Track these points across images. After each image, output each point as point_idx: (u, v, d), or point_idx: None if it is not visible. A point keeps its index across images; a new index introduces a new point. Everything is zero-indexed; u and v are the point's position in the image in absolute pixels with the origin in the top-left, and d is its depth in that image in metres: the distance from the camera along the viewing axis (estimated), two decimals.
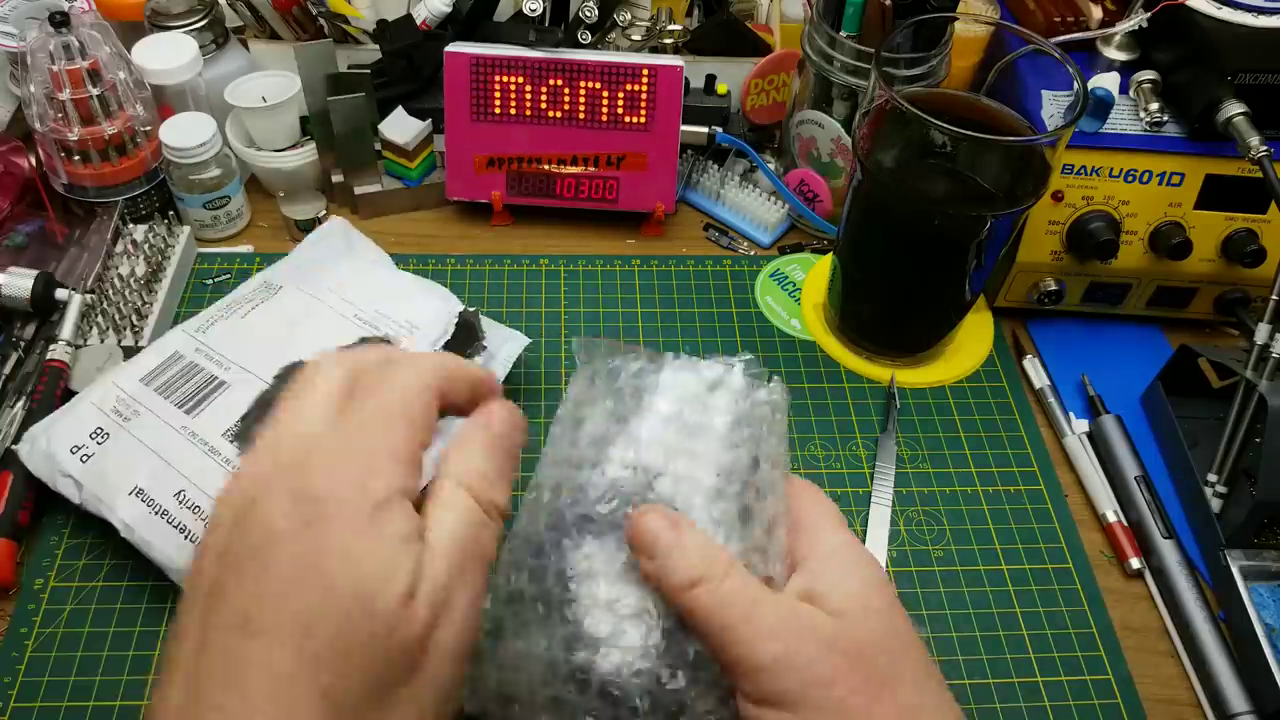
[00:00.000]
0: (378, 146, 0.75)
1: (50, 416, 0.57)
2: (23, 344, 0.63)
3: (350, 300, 0.61)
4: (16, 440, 0.58)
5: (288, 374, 0.57)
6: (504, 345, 0.62)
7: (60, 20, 0.65)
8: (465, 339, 0.61)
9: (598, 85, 0.70)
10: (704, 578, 0.33)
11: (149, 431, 0.55)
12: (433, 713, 0.30)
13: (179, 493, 0.52)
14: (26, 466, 0.55)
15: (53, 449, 0.55)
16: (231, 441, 0.54)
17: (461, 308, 0.62)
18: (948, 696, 0.34)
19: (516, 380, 0.64)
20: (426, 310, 0.61)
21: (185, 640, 0.29)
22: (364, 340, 0.59)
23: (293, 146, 0.76)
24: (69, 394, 0.60)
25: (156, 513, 0.52)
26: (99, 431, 0.55)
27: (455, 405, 0.35)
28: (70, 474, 0.54)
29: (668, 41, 0.79)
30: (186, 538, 0.51)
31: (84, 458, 0.54)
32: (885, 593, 0.35)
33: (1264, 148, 0.59)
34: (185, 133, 0.69)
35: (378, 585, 0.28)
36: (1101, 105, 0.63)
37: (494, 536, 0.33)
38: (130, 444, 0.54)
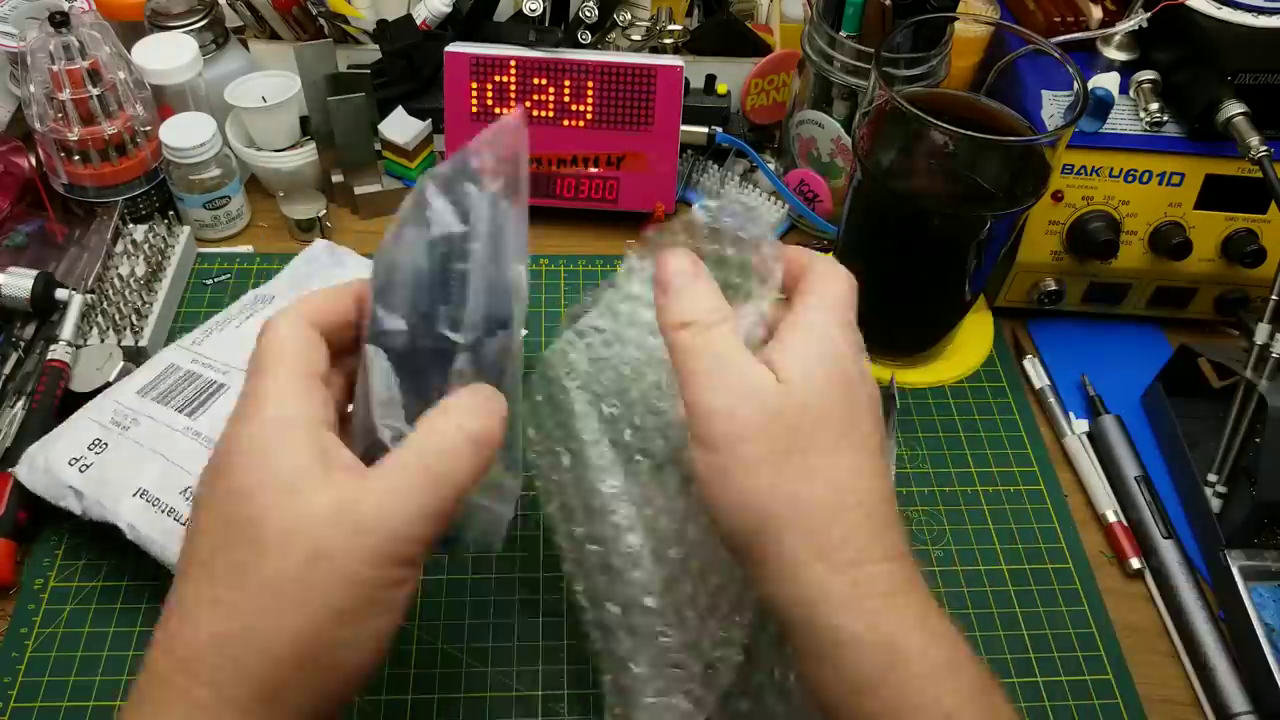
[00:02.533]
0: (378, 146, 0.75)
1: (46, 436, 0.57)
2: (23, 344, 0.63)
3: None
4: (17, 440, 0.58)
5: None
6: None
7: (60, 20, 0.65)
8: None
9: (598, 85, 0.70)
10: (694, 322, 0.38)
11: (150, 435, 0.55)
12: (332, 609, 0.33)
13: (185, 490, 0.52)
14: (26, 486, 0.55)
15: (51, 464, 0.54)
16: None
17: None
18: (870, 463, 0.37)
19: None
20: None
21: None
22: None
23: (293, 146, 0.76)
24: (69, 394, 0.60)
25: (163, 511, 0.52)
26: (97, 443, 0.55)
27: (341, 325, 0.39)
28: (71, 485, 0.53)
29: (668, 41, 0.79)
30: None
31: (83, 468, 0.54)
32: (832, 370, 0.38)
33: (1264, 148, 0.59)
34: (185, 133, 0.69)
35: (253, 483, 0.33)
36: (1101, 105, 0.63)
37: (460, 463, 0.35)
38: (131, 449, 0.54)
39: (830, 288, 0.40)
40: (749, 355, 0.38)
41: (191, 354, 0.59)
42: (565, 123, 0.72)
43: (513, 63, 0.70)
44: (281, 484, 0.33)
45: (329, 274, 0.67)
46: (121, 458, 0.54)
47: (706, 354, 0.38)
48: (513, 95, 0.71)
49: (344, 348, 0.39)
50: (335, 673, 0.33)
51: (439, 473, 0.34)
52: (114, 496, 0.53)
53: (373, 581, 0.33)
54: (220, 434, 0.36)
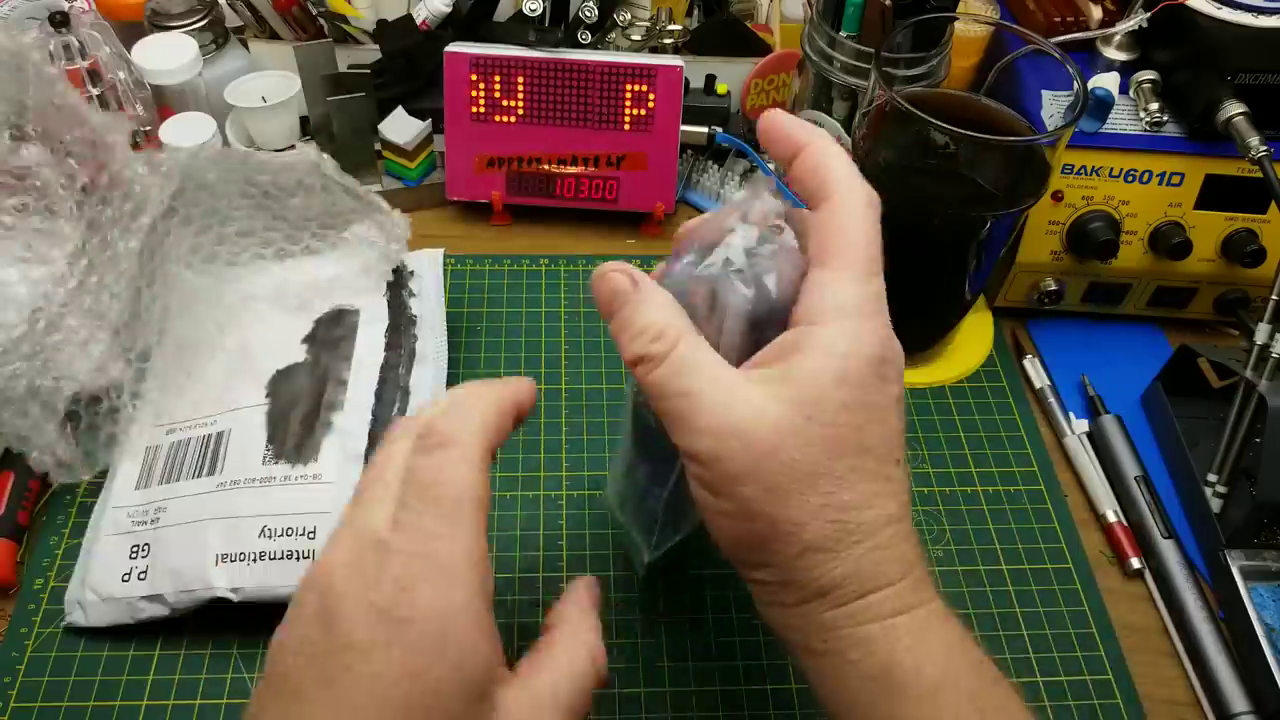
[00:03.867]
0: (378, 146, 0.75)
1: (74, 577, 0.53)
2: None
3: (276, 305, 0.62)
4: (17, 448, 0.58)
5: (279, 381, 0.58)
6: (426, 267, 0.66)
7: (60, 20, 0.65)
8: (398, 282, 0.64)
9: (597, 85, 0.70)
10: (644, 356, 0.34)
11: (189, 509, 0.53)
12: None
13: (262, 530, 0.51)
14: (96, 625, 0.52)
15: (106, 592, 0.52)
16: (276, 462, 0.54)
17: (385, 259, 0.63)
18: (881, 486, 0.34)
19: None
20: (344, 274, 0.63)
21: None
22: (330, 323, 0.60)
23: (293, 146, 0.76)
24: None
25: (252, 560, 0.51)
26: (137, 549, 0.53)
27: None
28: (142, 596, 0.51)
29: (668, 41, 0.79)
30: (298, 558, 0.51)
31: (140, 575, 0.52)
32: (841, 390, 0.33)
33: (1264, 148, 0.59)
34: (185, 133, 0.69)
35: (451, 701, 0.30)
36: (1101, 105, 0.63)
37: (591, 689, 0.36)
38: (180, 531, 0.52)
39: (849, 234, 0.35)
40: (724, 378, 0.34)
41: (162, 427, 0.57)
42: (565, 123, 0.72)
43: (513, 63, 0.70)
44: (464, 678, 0.30)
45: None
46: (176, 544, 0.52)
47: (671, 392, 0.34)
48: (513, 95, 0.71)
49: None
50: None
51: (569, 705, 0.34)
52: (199, 577, 0.51)
53: None
54: (355, 553, 0.31)
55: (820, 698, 0.36)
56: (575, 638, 0.37)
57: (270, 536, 0.51)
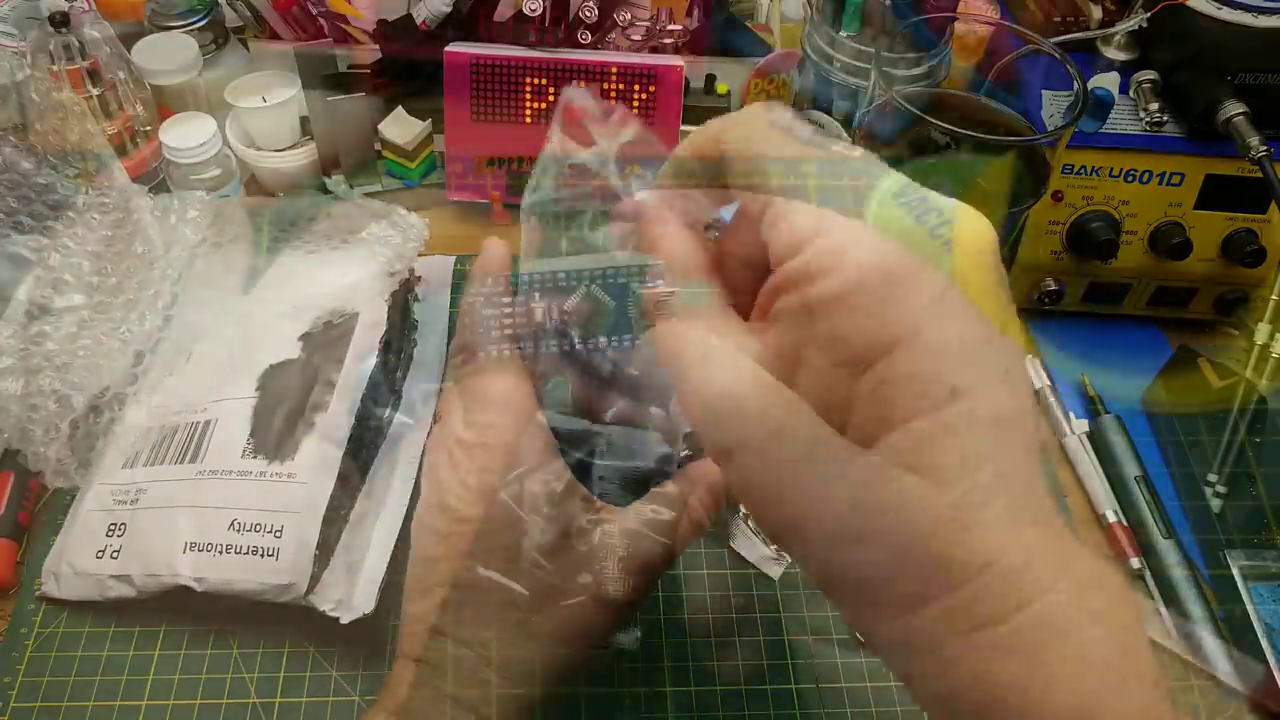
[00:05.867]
0: (378, 146, 0.75)
1: (55, 546, 0.55)
2: None
3: (279, 299, 0.62)
4: (15, 445, 0.58)
5: (270, 376, 0.57)
6: (435, 273, 0.66)
7: (60, 20, 0.65)
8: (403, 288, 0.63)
9: (597, 85, 0.70)
10: (663, 305, 0.33)
11: (165, 496, 0.53)
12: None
13: (231, 523, 0.51)
14: (66, 598, 0.53)
15: (79, 567, 0.53)
16: (254, 457, 0.54)
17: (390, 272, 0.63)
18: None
19: None
20: (350, 275, 0.62)
21: None
22: (328, 324, 0.60)
23: (293, 146, 0.76)
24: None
25: (219, 552, 0.51)
26: (114, 527, 0.53)
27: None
28: (112, 575, 0.52)
29: (668, 41, 0.78)
30: (262, 555, 0.50)
31: (114, 554, 0.52)
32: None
33: (1264, 148, 0.59)
34: (185, 133, 0.69)
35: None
36: (1101, 105, 0.63)
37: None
38: (154, 515, 0.53)
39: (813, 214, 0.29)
40: (712, 336, 0.31)
41: (158, 411, 0.58)
42: None
43: (513, 63, 0.70)
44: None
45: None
46: (150, 527, 0.52)
47: (685, 352, 0.31)
48: (513, 95, 0.71)
49: None
50: None
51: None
52: (166, 563, 0.51)
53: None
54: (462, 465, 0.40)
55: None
56: (672, 491, 0.42)
57: (239, 530, 0.51)
